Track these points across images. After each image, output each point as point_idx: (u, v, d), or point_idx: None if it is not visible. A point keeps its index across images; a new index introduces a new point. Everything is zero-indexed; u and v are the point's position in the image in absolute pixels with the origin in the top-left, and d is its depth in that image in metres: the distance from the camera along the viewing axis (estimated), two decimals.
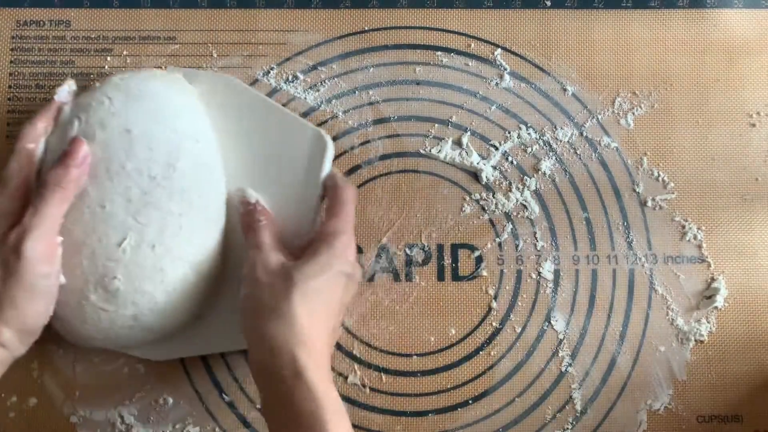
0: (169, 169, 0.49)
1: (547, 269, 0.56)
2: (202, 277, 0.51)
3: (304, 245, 0.50)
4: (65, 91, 0.53)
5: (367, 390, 0.55)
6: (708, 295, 0.56)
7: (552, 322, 0.56)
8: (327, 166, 0.52)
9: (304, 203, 0.52)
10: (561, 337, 0.56)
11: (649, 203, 0.57)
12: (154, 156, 0.49)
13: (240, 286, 0.49)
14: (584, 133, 0.58)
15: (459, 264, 0.56)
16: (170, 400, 0.54)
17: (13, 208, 0.48)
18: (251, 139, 0.53)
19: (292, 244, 0.51)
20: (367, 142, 0.58)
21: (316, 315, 0.46)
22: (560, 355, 0.55)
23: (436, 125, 0.58)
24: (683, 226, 0.57)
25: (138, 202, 0.49)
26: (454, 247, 0.57)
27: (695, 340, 0.56)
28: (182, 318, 0.51)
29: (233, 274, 0.52)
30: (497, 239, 0.57)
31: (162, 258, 0.49)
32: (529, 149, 0.58)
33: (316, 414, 0.42)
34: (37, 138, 0.50)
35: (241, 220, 0.51)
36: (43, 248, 0.46)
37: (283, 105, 0.57)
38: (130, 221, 0.48)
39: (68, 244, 0.48)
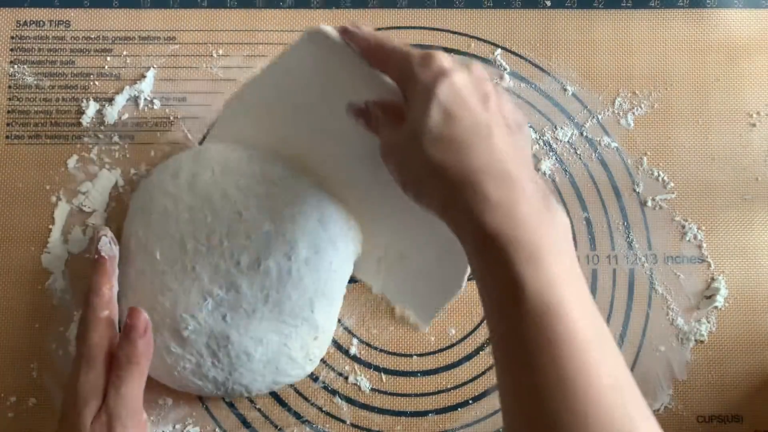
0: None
1: None
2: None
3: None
4: (107, 243, 0.51)
5: (368, 390, 0.55)
6: (708, 295, 0.56)
7: None
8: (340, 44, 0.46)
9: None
10: None
11: (649, 203, 0.57)
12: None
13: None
14: (584, 133, 0.58)
15: None
16: (170, 401, 0.54)
17: (103, 383, 0.47)
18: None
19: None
20: None
21: (460, 139, 0.39)
22: None
23: None
24: (683, 226, 0.57)
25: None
26: None
27: (695, 340, 0.56)
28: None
29: None
30: None
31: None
32: None
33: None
34: (107, 304, 0.49)
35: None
36: (133, 429, 0.46)
37: None
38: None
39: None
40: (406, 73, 0.42)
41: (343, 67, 0.47)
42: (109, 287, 0.50)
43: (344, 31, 0.45)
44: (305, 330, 0.51)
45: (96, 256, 0.50)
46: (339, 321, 0.55)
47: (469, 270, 0.52)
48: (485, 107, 0.41)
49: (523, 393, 0.37)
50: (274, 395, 0.54)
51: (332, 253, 0.51)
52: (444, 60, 0.41)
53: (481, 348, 0.56)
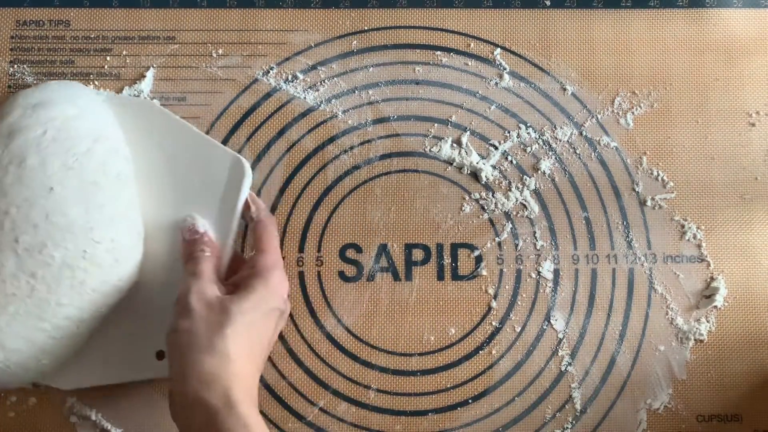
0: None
1: (547, 269, 0.56)
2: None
3: (233, 279, 0.50)
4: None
5: (368, 390, 0.55)
6: (707, 294, 0.56)
7: (552, 321, 0.56)
8: (244, 193, 0.52)
9: (220, 230, 0.52)
10: (560, 336, 0.56)
11: (649, 203, 0.57)
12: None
13: (171, 313, 0.48)
14: (584, 133, 0.58)
15: (459, 263, 0.56)
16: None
17: None
18: (169, 163, 0.53)
19: None
20: (367, 141, 0.58)
21: (249, 349, 0.46)
22: (560, 354, 0.55)
23: (436, 125, 0.58)
24: (683, 226, 0.57)
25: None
26: (454, 247, 0.57)
27: (695, 340, 0.56)
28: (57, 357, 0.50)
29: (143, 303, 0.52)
30: (497, 239, 0.57)
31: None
32: (529, 149, 0.58)
33: None
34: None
35: (184, 246, 0.51)
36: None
37: (283, 104, 0.58)
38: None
39: None
40: (262, 270, 0.49)
41: (228, 197, 0.52)
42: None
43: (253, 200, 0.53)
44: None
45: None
46: (339, 321, 0.55)
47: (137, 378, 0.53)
48: (268, 347, 0.50)
49: None
50: (274, 395, 0.54)
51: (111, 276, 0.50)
52: (285, 292, 0.51)
53: (480, 348, 0.56)
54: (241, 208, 0.52)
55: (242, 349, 0.46)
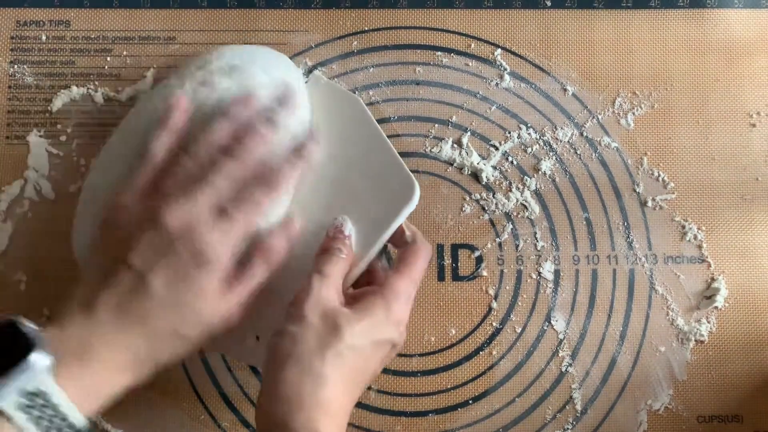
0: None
1: (547, 269, 0.56)
2: None
3: (354, 291, 0.47)
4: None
5: (372, 395, 0.55)
6: (708, 295, 0.56)
7: (552, 322, 0.56)
8: (404, 215, 0.48)
9: (364, 243, 0.48)
10: (561, 337, 0.56)
11: (649, 203, 0.57)
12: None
13: (285, 312, 0.45)
14: (584, 133, 0.58)
15: (459, 264, 0.56)
16: (170, 401, 0.54)
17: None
18: (344, 159, 0.51)
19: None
20: None
21: (348, 377, 0.43)
22: (560, 355, 0.55)
23: (436, 125, 0.58)
24: (683, 226, 0.57)
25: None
26: (454, 247, 0.57)
27: (695, 340, 0.56)
28: None
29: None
30: (497, 239, 0.57)
31: None
32: (529, 149, 0.58)
33: None
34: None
35: (324, 242, 0.48)
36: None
37: None
38: None
39: None
40: (391, 293, 0.45)
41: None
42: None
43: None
44: None
45: None
46: None
47: None
48: (380, 364, 0.46)
49: None
50: None
51: None
52: (404, 326, 0.46)
53: (481, 348, 0.56)
54: (394, 228, 0.48)
55: (341, 376, 0.42)
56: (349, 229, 0.48)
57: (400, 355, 0.55)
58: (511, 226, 0.57)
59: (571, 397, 0.55)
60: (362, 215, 0.49)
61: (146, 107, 0.51)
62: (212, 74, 0.50)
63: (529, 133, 0.58)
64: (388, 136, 0.58)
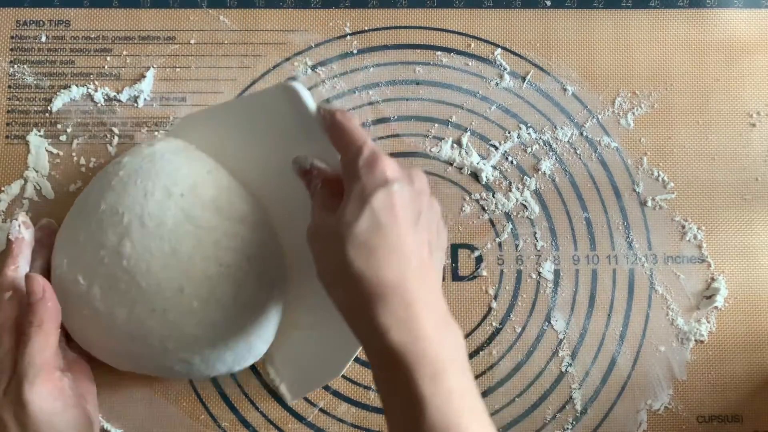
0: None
1: (547, 269, 0.56)
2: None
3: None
4: (15, 227, 0.51)
5: (368, 390, 0.55)
6: (708, 295, 0.56)
7: (552, 322, 0.56)
8: (312, 107, 0.45)
9: (324, 153, 0.46)
10: (561, 337, 0.56)
11: (649, 203, 0.57)
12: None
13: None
14: (584, 133, 0.58)
15: (459, 264, 0.56)
16: (170, 401, 0.54)
17: (10, 362, 0.47)
18: (244, 139, 0.50)
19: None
20: None
21: (381, 251, 0.40)
22: (560, 355, 0.55)
23: (436, 125, 0.58)
24: (683, 226, 0.57)
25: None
26: (454, 247, 0.57)
27: (695, 340, 0.56)
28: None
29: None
30: (497, 239, 0.57)
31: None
32: (529, 149, 0.58)
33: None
34: (10, 286, 0.49)
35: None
36: (45, 388, 0.46)
37: None
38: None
39: None
40: (351, 168, 0.43)
41: (303, 124, 0.46)
42: (14, 268, 0.50)
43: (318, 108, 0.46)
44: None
45: (7, 239, 0.51)
46: None
47: (351, 359, 0.52)
48: (414, 226, 0.42)
49: None
50: (274, 395, 0.54)
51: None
52: (388, 168, 0.42)
53: (481, 348, 0.56)
54: (318, 118, 0.46)
55: (370, 255, 0.40)
56: (304, 160, 0.47)
57: None
58: (510, 226, 0.57)
59: (570, 397, 0.55)
60: (301, 143, 0.47)
61: (101, 183, 0.50)
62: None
63: (528, 133, 0.58)
64: (389, 136, 0.58)
